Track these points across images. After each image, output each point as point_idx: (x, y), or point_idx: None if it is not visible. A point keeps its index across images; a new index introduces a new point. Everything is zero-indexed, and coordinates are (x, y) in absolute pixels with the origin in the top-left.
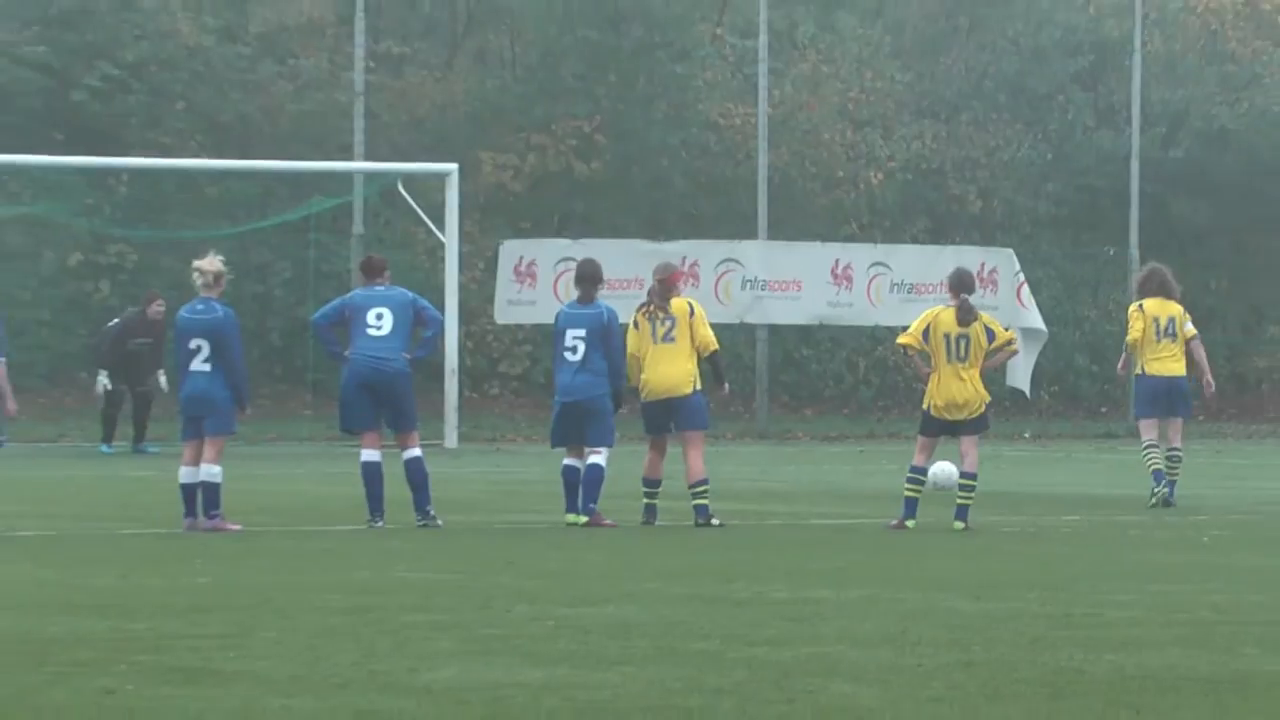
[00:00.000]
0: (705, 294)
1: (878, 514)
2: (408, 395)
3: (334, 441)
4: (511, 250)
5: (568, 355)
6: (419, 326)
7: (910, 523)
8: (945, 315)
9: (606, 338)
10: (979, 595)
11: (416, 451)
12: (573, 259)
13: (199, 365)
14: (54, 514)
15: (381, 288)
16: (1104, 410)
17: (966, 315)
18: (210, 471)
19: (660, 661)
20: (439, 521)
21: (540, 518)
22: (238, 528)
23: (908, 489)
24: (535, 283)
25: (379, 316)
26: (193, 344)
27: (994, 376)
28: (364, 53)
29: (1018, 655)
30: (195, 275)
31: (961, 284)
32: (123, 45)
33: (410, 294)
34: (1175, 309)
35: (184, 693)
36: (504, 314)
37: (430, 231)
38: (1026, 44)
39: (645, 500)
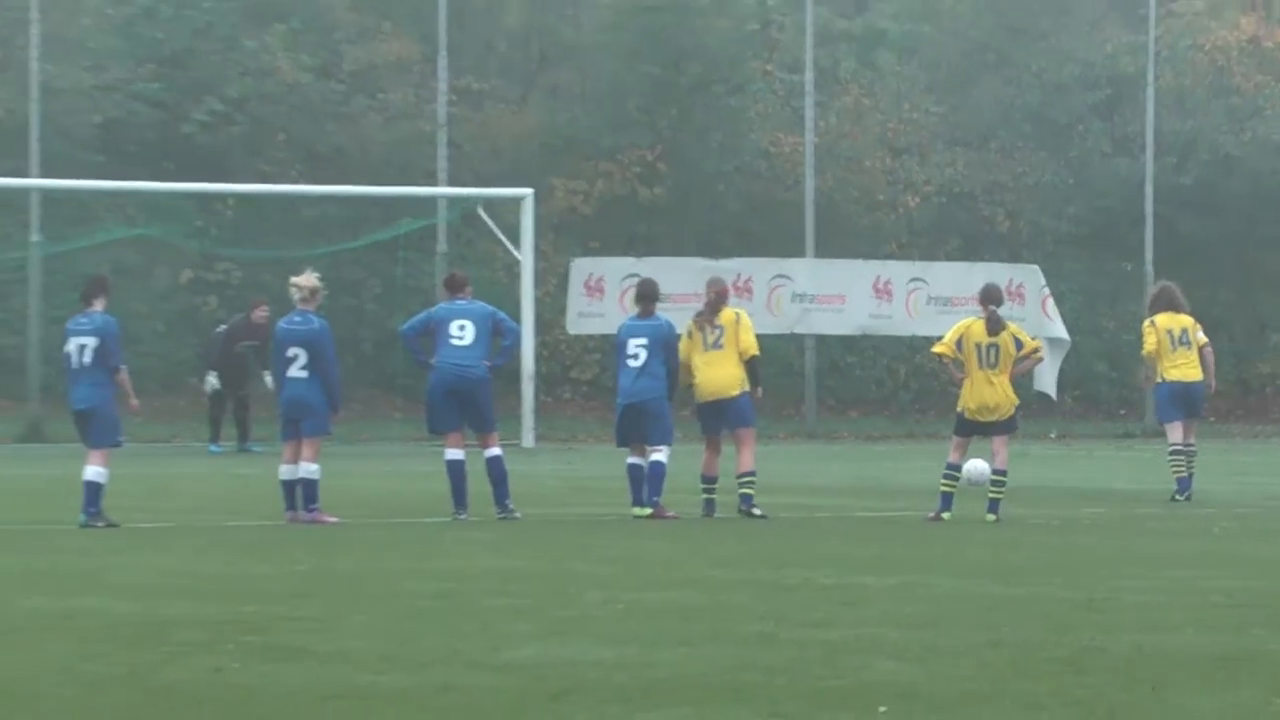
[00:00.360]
0: (758, 307)
1: (916, 507)
2: (488, 399)
3: (421, 442)
4: (582, 267)
5: (630, 362)
6: (498, 336)
7: (946, 515)
8: (976, 326)
9: (665, 346)
10: (1008, 581)
11: (496, 450)
12: (637, 275)
13: (296, 372)
14: (168, 508)
15: (463, 301)
16: (1123, 412)
17: (995, 325)
18: (309, 469)
19: (718, 641)
20: (517, 514)
21: (609, 510)
22: (335, 520)
23: (943, 484)
24: (603, 296)
25: (461, 327)
26: (290, 352)
27: (1022, 381)
28: (446, 88)
29: (1044, 636)
30: (293, 290)
31: (990, 297)
32: (228, 82)
33: (490, 307)
34: (1186, 320)
35: (285, 670)
36: (575, 325)
37: (508, 250)
38: (1049, 79)
39: (704, 495)
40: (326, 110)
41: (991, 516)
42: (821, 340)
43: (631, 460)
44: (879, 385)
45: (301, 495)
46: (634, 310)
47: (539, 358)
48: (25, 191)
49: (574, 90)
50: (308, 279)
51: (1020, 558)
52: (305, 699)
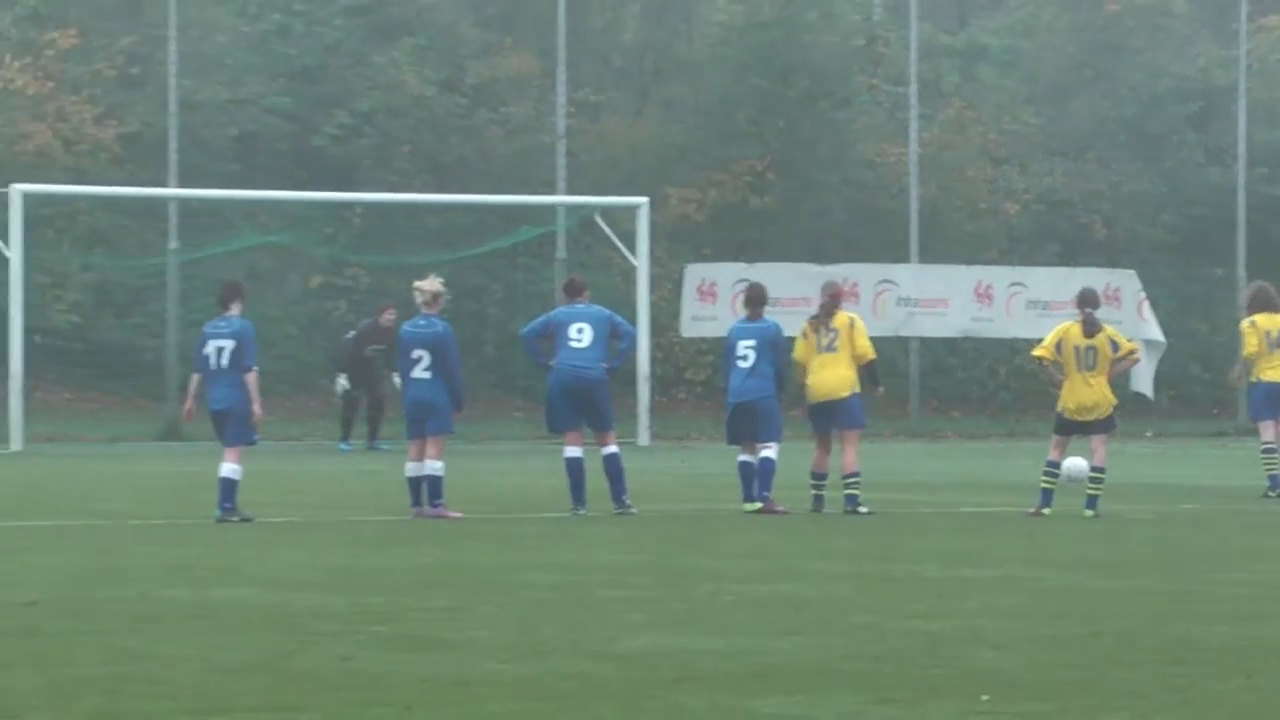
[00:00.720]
0: (864, 311)
1: (1017, 503)
2: (606, 399)
3: (541, 440)
4: (695, 272)
5: (740, 363)
6: (615, 339)
7: (1046, 510)
8: (1074, 329)
9: (773, 347)
10: (1107, 574)
11: (614, 448)
12: (748, 280)
13: (420, 373)
14: (300, 503)
15: (582, 305)
16: (1216, 412)
17: (1092, 328)
18: (434, 466)
19: (826, 631)
20: (633, 510)
21: (721, 506)
22: (458, 515)
23: (1044, 481)
24: (715, 301)
25: (580, 330)
26: (415, 354)
27: (1120, 382)
28: (565, 101)
29: (1141, 627)
30: (416, 294)
31: (1087, 300)
32: (357, 96)
33: (607, 311)
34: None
35: (412, 659)
36: (689, 328)
37: (624, 256)
38: (1145, 91)
39: (813, 491)
40: (450, 123)
41: (1090, 512)
42: (925, 343)
43: (742, 458)
44: (980, 386)
45: (427, 491)
46: (743, 314)
47: (654, 359)
48: (164, 201)
49: (687, 103)
50: (430, 283)
51: (1118, 552)
52: (432, 686)
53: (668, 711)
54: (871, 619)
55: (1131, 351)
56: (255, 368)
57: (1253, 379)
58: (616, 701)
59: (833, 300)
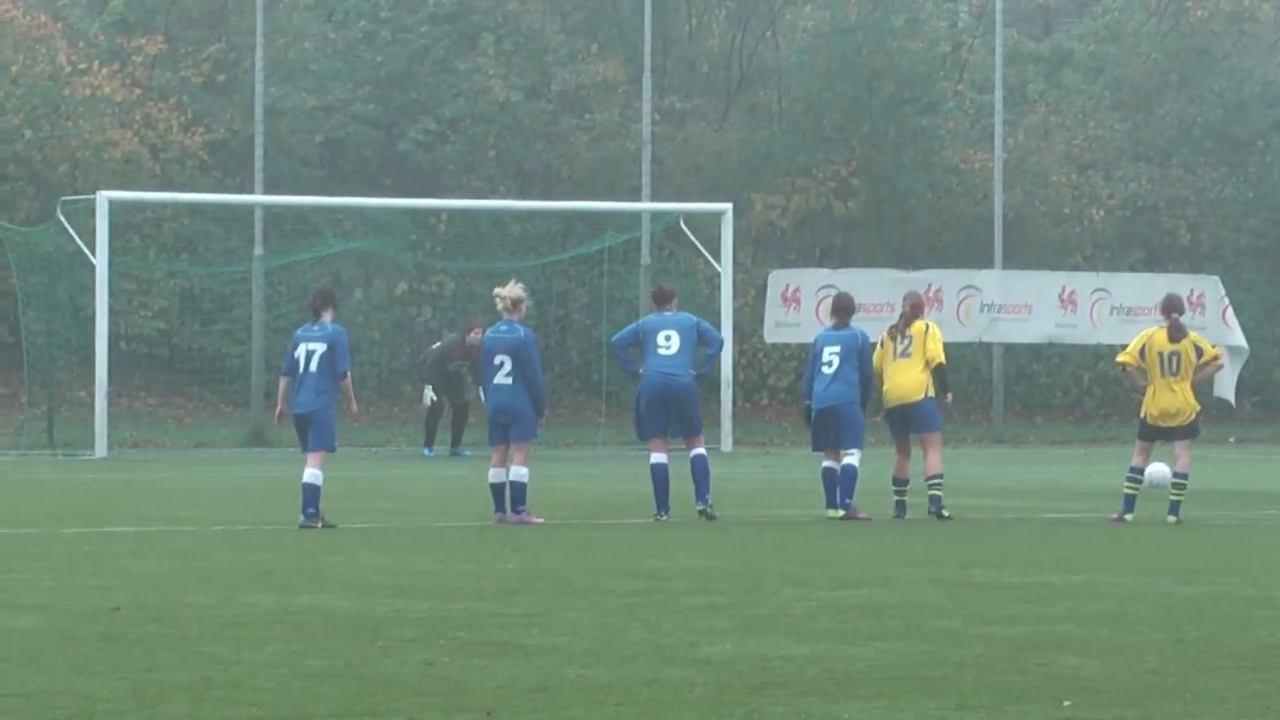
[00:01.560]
0: (947, 317)
1: (1100, 509)
2: (694, 405)
3: (624, 446)
4: (779, 279)
5: (824, 369)
6: (703, 346)
7: (1129, 517)
8: (1159, 335)
9: (859, 354)
10: (1189, 580)
11: (701, 450)
12: (832, 286)
13: (502, 379)
14: (383, 509)
15: (670, 313)
16: None
17: (1177, 334)
18: (519, 472)
19: (908, 637)
20: (714, 514)
21: (804, 512)
22: (541, 521)
23: (1127, 487)
24: (799, 307)
25: (668, 337)
26: (497, 359)
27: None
28: (650, 108)
29: (1224, 633)
30: (497, 300)
31: (1172, 306)
32: (442, 103)
33: (695, 318)
34: None
35: (494, 664)
36: (772, 334)
37: (708, 263)
38: (1230, 97)
39: (895, 497)
40: (536, 129)
41: (1172, 518)
42: (1009, 349)
43: (826, 464)
44: (1064, 392)
45: (510, 497)
46: (830, 321)
47: (737, 365)
48: (249, 208)
49: (772, 109)
50: (512, 289)
51: (1200, 557)
52: (514, 690)
53: (749, 717)
54: (953, 625)
55: (1215, 358)
56: (349, 372)
57: None
58: (699, 707)
59: (914, 310)
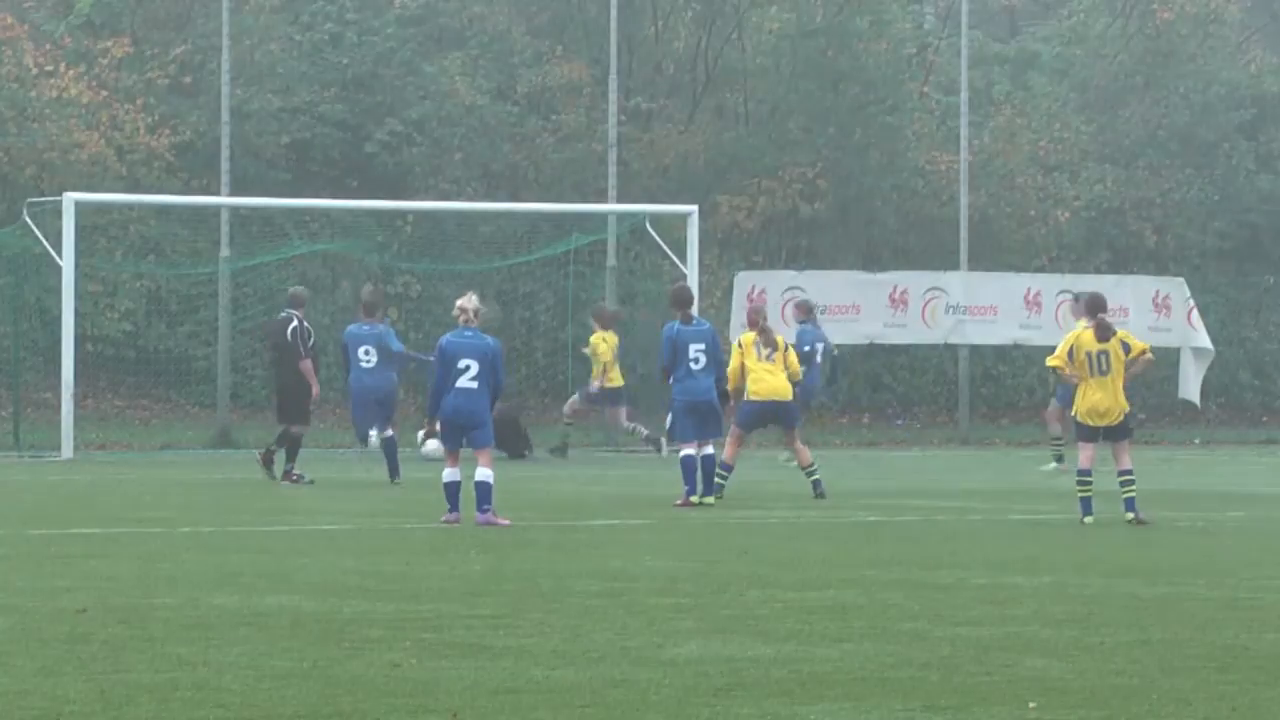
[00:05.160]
0: (913, 318)
1: (1066, 510)
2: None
3: (589, 448)
4: (745, 280)
5: (693, 364)
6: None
7: (1089, 519)
8: (1086, 335)
9: (716, 350)
10: (1155, 581)
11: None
12: (799, 288)
13: (467, 382)
14: (350, 511)
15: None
16: (1265, 419)
17: (1104, 333)
18: (484, 474)
19: (874, 639)
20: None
21: (769, 514)
22: (506, 522)
23: (1080, 490)
24: (766, 308)
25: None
26: (463, 363)
27: (1168, 389)
28: (616, 110)
29: (1189, 634)
30: (460, 314)
31: (1096, 306)
32: (408, 104)
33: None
34: None
35: (460, 665)
36: (739, 336)
37: (674, 264)
38: (1195, 99)
39: (721, 481)
40: (502, 131)
41: (1130, 515)
42: (975, 350)
43: (686, 453)
44: (1030, 393)
45: (476, 498)
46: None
47: None
48: (216, 209)
49: (738, 111)
50: (472, 300)
51: (1166, 559)
52: (481, 692)
53: (715, 718)
54: (919, 626)
55: (1144, 351)
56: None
57: None
58: (665, 708)
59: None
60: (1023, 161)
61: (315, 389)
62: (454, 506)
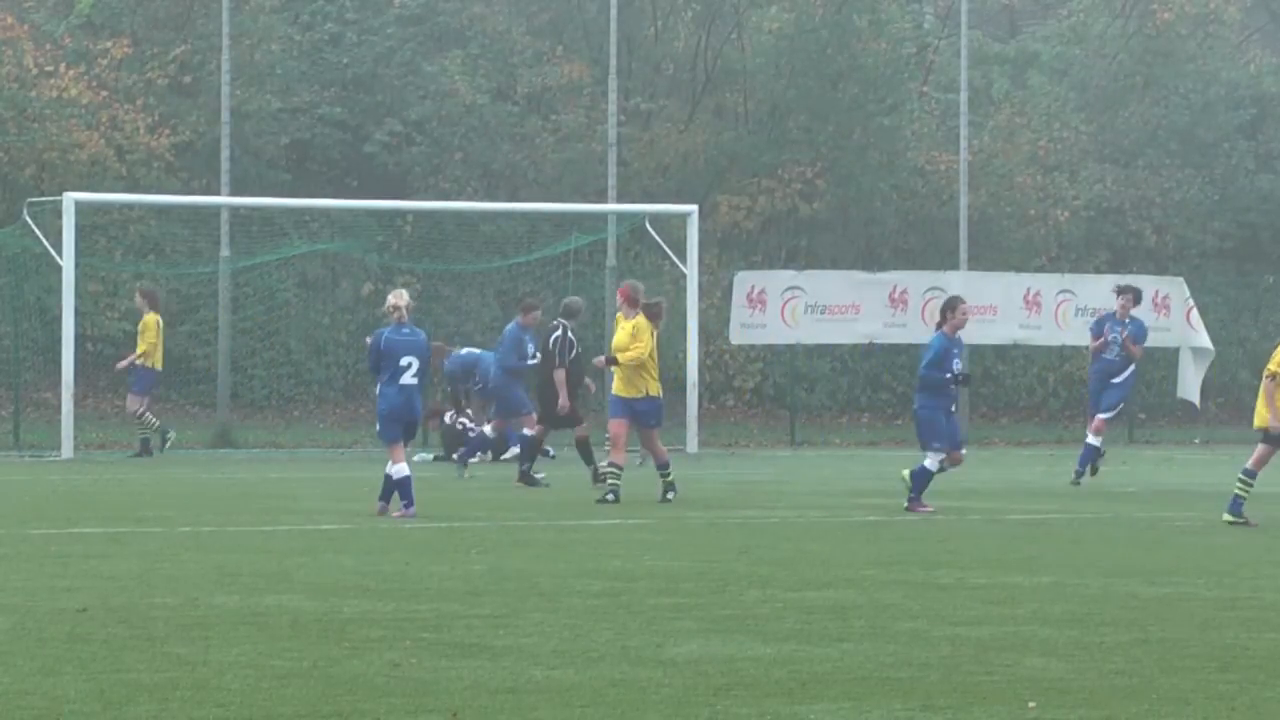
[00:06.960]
0: (913, 317)
1: (1066, 510)
2: None
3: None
4: (744, 280)
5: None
6: None
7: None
8: None
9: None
10: (1154, 581)
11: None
12: (798, 288)
13: (409, 380)
14: (350, 510)
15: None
16: None
17: None
18: (400, 469)
19: (874, 638)
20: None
21: (770, 513)
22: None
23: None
24: (765, 308)
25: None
26: (404, 361)
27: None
28: (616, 109)
29: (1189, 634)
30: (394, 312)
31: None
32: (408, 105)
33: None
34: None
35: (460, 665)
36: (738, 336)
37: (674, 264)
38: (1195, 99)
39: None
40: (502, 131)
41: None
42: (975, 349)
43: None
44: (1029, 393)
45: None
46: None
47: (703, 367)
48: (216, 209)
49: (738, 111)
50: (403, 297)
51: (1166, 559)
52: (481, 691)
53: (715, 717)
54: (919, 626)
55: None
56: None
57: None
58: (665, 708)
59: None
60: (1022, 161)
61: (563, 399)
62: (385, 497)
